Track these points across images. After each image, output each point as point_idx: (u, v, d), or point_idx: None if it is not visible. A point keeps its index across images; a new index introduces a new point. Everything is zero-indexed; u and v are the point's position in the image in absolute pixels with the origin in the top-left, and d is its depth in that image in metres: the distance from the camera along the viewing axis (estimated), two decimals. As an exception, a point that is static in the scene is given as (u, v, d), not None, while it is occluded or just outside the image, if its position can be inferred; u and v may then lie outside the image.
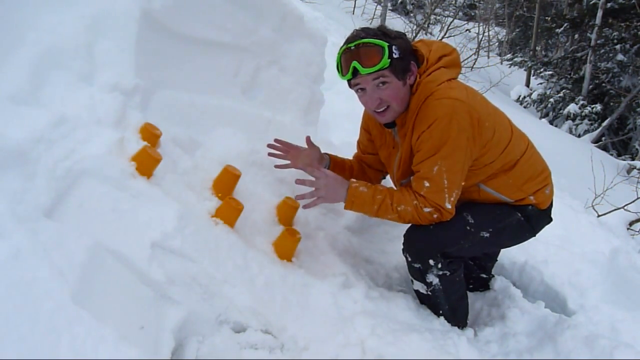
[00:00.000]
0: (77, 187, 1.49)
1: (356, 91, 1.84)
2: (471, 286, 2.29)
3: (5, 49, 1.64)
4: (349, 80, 1.81)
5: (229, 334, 1.50)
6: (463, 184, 1.84)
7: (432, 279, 1.92)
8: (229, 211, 1.78)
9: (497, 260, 2.39)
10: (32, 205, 1.34)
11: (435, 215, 1.82)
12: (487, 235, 1.91)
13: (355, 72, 1.75)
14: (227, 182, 1.92)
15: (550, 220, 2.08)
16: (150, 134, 1.77)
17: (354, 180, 1.89)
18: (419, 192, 1.81)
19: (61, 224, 1.37)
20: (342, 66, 1.79)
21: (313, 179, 1.86)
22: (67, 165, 1.49)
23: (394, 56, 1.72)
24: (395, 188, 1.98)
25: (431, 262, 1.89)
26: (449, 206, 1.80)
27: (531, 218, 1.96)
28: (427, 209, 1.81)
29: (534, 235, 2.07)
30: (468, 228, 1.90)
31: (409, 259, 1.96)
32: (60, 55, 1.73)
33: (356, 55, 1.73)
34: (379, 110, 1.83)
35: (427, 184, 1.78)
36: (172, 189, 1.74)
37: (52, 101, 1.63)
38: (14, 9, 1.73)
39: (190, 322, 1.42)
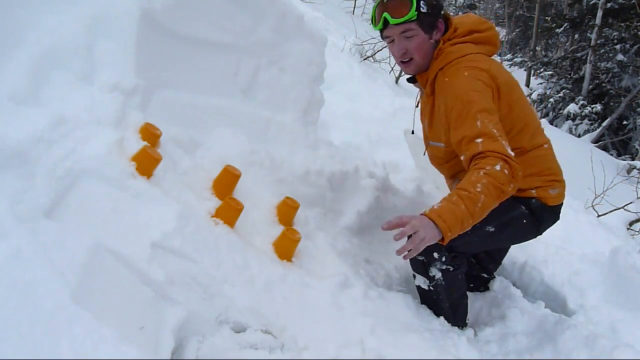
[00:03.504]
0: (77, 187, 1.49)
1: (387, 43, 1.97)
2: (471, 285, 2.28)
3: (5, 49, 1.64)
4: (380, 32, 1.94)
5: (229, 334, 1.50)
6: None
7: (435, 272, 1.93)
8: (229, 211, 1.78)
9: (500, 263, 2.37)
10: (32, 205, 1.34)
11: (506, 171, 1.62)
12: (493, 229, 1.90)
13: (386, 23, 1.88)
14: (227, 182, 1.92)
15: (557, 218, 2.05)
16: (150, 134, 1.77)
17: (428, 209, 1.65)
18: (477, 152, 1.67)
19: (61, 224, 1.37)
20: (375, 17, 1.92)
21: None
22: (67, 165, 1.49)
23: (422, 10, 1.84)
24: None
25: (436, 255, 1.89)
26: (511, 153, 1.68)
27: (535, 211, 1.94)
28: (497, 166, 1.61)
29: (539, 233, 2.05)
30: None
31: None
32: (60, 56, 1.73)
33: (387, 7, 1.87)
34: (404, 60, 1.94)
35: (479, 140, 1.68)
36: (172, 189, 1.74)
37: (52, 101, 1.63)
38: (14, 9, 1.73)
39: (190, 322, 1.41)
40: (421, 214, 1.60)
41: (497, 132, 1.69)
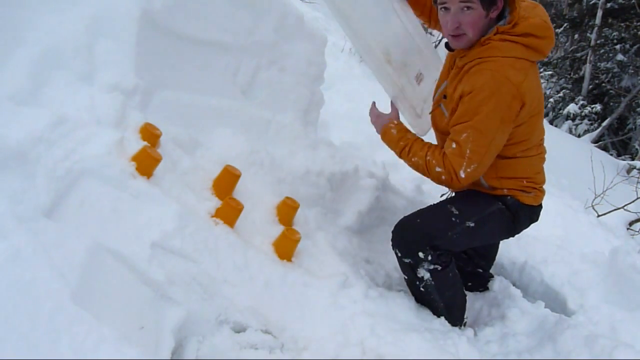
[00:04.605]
0: (77, 187, 1.49)
1: (439, 9, 1.83)
2: (470, 284, 2.29)
3: (5, 49, 1.64)
4: None
5: (229, 334, 1.50)
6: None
7: (424, 273, 1.93)
8: (229, 211, 1.78)
9: (493, 260, 2.38)
10: (32, 205, 1.34)
11: (443, 177, 1.83)
12: (473, 224, 1.92)
13: None
14: (227, 182, 1.92)
15: (534, 220, 2.06)
16: (150, 134, 1.77)
17: (395, 121, 2.05)
18: (445, 150, 1.83)
19: (61, 224, 1.37)
20: None
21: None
22: (67, 165, 1.49)
23: None
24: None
25: (421, 254, 1.90)
26: (462, 175, 1.79)
27: (511, 207, 1.96)
28: (438, 169, 1.83)
29: (516, 231, 2.06)
30: (453, 219, 1.92)
31: (399, 254, 1.98)
32: (60, 55, 1.73)
33: None
34: (454, 34, 1.84)
35: (453, 146, 1.80)
36: (172, 189, 1.74)
37: (52, 101, 1.63)
38: (14, 9, 1.73)
39: (190, 322, 1.42)
40: (391, 120, 2.05)
41: (470, 153, 1.77)
